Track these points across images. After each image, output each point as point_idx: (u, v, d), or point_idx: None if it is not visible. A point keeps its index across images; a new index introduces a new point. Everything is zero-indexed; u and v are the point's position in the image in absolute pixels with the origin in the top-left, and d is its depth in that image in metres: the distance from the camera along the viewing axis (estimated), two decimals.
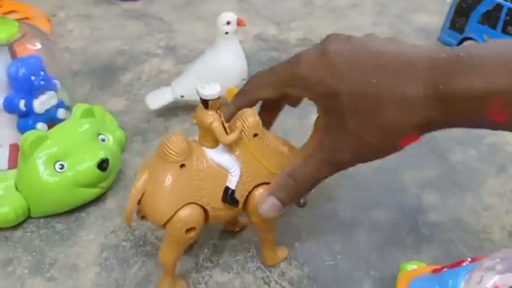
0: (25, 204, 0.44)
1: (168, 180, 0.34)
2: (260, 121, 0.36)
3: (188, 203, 0.35)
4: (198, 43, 0.79)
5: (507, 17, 0.72)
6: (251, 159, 0.36)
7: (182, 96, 0.58)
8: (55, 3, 0.89)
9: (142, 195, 0.35)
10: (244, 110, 0.37)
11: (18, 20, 0.51)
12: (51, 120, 0.48)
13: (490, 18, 0.74)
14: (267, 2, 1.01)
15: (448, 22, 0.81)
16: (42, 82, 0.47)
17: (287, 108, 0.43)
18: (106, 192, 0.49)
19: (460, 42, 0.80)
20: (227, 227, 0.45)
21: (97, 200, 0.48)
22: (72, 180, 0.44)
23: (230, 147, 0.36)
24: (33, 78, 0.46)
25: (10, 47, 0.46)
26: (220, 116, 0.35)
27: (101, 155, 0.45)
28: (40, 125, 0.47)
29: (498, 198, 0.52)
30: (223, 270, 0.42)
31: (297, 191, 0.35)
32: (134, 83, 0.70)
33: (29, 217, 0.46)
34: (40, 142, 0.43)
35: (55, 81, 0.49)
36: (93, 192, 0.46)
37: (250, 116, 0.36)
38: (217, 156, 0.36)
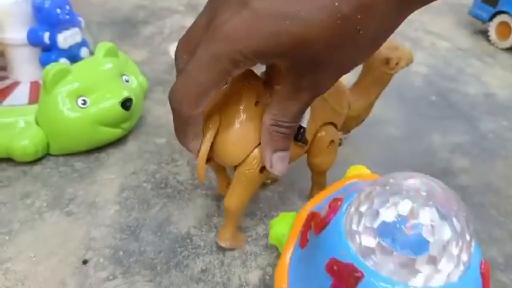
0: (44, 139, 0.43)
1: (242, 119, 0.32)
2: None
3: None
4: None
5: None
6: (319, 99, 0.33)
7: None
8: None
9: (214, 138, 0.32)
10: None
11: None
12: (74, 57, 0.47)
13: None
14: None
15: None
16: (67, 17, 0.45)
17: None
18: (127, 135, 0.48)
19: (493, 16, 0.77)
20: (221, 190, 0.41)
21: (118, 142, 0.47)
22: (95, 117, 0.43)
23: None
24: (58, 11, 0.44)
25: None
26: None
27: (125, 94, 0.43)
28: (63, 61, 0.45)
29: None
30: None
31: (288, 133, 0.31)
32: (156, 36, 0.68)
33: (48, 154, 0.44)
34: (63, 75, 0.42)
35: (80, 19, 0.48)
36: (115, 132, 0.45)
37: None
38: None
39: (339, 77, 0.29)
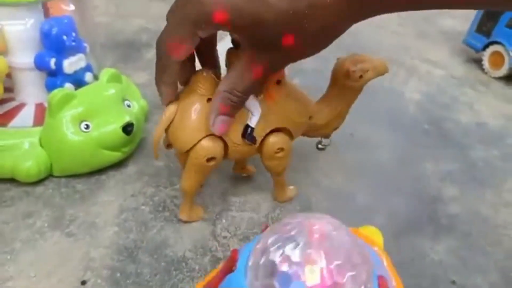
0: (48, 161, 0.44)
1: (196, 110, 0.37)
2: (284, 69, 0.38)
3: (211, 134, 0.37)
4: None
5: None
6: (272, 104, 0.39)
7: None
8: None
9: (170, 123, 0.37)
10: None
11: None
12: (79, 82, 0.49)
13: None
14: None
15: (475, 26, 0.81)
16: (73, 43, 0.47)
17: None
18: (128, 158, 0.49)
19: (486, 46, 0.79)
20: (236, 171, 0.49)
21: (118, 164, 0.48)
22: (96, 141, 0.44)
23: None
24: (65, 37, 0.46)
25: (44, 5, 0.46)
26: None
27: (127, 118, 0.45)
28: (68, 85, 0.47)
29: None
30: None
31: (236, 101, 0.35)
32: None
33: (50, 175, 0.46)
34: (68, 100, 0.43)
35: (85, 44, 0.50)
36: (115, 155, 0.46)
37: None
38: None
39: (290, 61, 0.34)
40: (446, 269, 0.41)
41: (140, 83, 0.62)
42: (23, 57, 0.46)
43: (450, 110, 0.68)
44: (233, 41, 0.39)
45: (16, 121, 0.47)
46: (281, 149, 0.41)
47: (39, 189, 0.45)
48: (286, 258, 0.23)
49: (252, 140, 0.39)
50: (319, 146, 0.55)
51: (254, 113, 0.38)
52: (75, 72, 0.48)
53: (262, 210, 0.45)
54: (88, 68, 0.50)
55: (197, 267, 0.38)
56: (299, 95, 0.41)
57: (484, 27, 0.79)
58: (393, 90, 0.69)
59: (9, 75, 0.48)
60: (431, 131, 0.62)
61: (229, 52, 0.38)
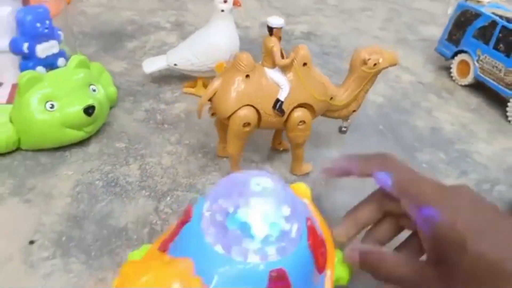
0: (15, 136, 0.49)
1: (236, 84, 0.46)
2: (309, 54, 0.47)
3: (247, 105, 0.46)
4: (205, 23, 0.83)
5: (500, 35, 0.75)
6: (299, 82, 0.48)
7: (175, 65, 0.63)
8: None
9: (214, 94, 0.47)
10: (299, 44, 0.48)
11: None
12: (51, 66, 0.53)
13: (485, 34, 0.77)
14: None
15: (446, 34, 0.85)
16: (46, 30, 0.52)
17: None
18: (90, 138, 0.54)
19: (455, 55, 0.83)
20: (274, 145, 0.57)
21: (82, 143, 0.53)
22: (60, 120, 0.49)
23: (284, 70, 0.47)
24: (38, 25, 0.51)
25: None
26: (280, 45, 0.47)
27: (89, 101, 0.50)
28: (40, 69, 0.52)
29: None
30: None
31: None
32: (138, 51, 0.75)
33: (18, 148, 0.51)
34: (36, 81, 0.48)
35: (59, 32, 0.54)
36: (78, 134, 0.51)
37: (302, 49, 0.47)
38: (274, 74, 0.47)
39: None
40: None
41: (116, 72, 0.67)
42: (0, 41, 0.51)
43: (409, 114, 0.71)
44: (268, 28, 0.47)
45: None
46: (303, 122, 0.49)
47: (6, 160, 0.50)
48: (234, 203, 0.30)
49: (281, 111, 0.47)
50: (342, 129, 0.61)
51: (284, 89, 0.47)
52: (47, 56, 0.53)
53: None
54: (61, 54, 0.55)
55: (135, 237, 0.43)
56: (322, 78, 0.50)
57: (454, 36, 0.83)
58: None
59: None
60: (384, 133, 0.66)
61: (266, 39, 0.47)
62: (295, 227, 0.30)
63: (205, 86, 0.65)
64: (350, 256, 0.35)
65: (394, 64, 0.53)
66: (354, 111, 0.55)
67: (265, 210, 0.29)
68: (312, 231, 0.32)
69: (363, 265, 0.34)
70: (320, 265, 0.33)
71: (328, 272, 0.34)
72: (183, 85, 0.67)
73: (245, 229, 0.29)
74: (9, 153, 0.50)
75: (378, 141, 0.63)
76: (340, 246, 0.37)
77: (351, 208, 0.38)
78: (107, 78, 0.60)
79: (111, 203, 0.46)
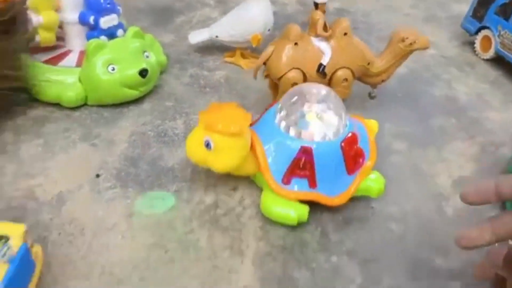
0: (84, 93, 0.60)
1: (286, 50, 0.56)
2: (349, 26, 0.58)
3: (295, 68, 0.56)
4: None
5: None
6: (340, 49, 0.57)
7: (216, 36, 0.72)
8: None
9: (268, 58, 0.57)
10: (341, 17, 0.58)
11: None
12: (112, 36, 0.63)
13: (506, 11, 0.82)
14: None
15: (471, 11, 0.90)
16: (108, 5, 0.62)
17: None
18: (144, 97, 0.64)
19: (478, 30, 0.88)
20: None
21: (137, 101, 0.63)
22: (119, 80, 0.59)
23: (327, 39, 0.57)
24: (102, 1, 0.61)
25: None
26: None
27: (143, 65, 0.60)
28: (103, 38, 0.62)
29: (456, 156, 0.62)
30: None
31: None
32: (184, 25, 0.84)
33: (85, 104, 0.61)
34: (100, 48, 0.59)
35: (119, 7, 0.64)
36: (134, 93, 0.61)
37: (344, 22, 0.58)
38: (318, 42, 0.57)
39: None
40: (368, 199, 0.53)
41: (166, 43, 0.77)
42: (71, 14, 0.62)
43: (429, 85, 0.78)
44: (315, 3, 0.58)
45: (63, 62, 0.63)
46: (346, 80, 0.59)
47: (76, 113, 0.61)
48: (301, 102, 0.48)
49: (323, 74, 0.57)
50: (371, 95, 0.68)
51: (326, 55, 0.57)
52: (109, 28, 0.63)
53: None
54: (120, 26, 0.65)
55: (180, 175, 0.53)
56: (361, 46, 0.59)
57: (478, 13, 0.87)
58: None
59: (61, 27, 0.64)
60: (402, 99, 0.72)
61: (313, 13, 0.57)
62: (333, 128, 0.47)
63: (243, 56, 0.74)
64: (493, 255, 0.34)
65: (426, 48, 0.60)
66: (383, 80, 0.64)
67: (322, 109, 0.47)
68: (350, 140, 0.48)
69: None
70: (349, 167, 0.48)
71: (357, 178, 0.49)
72: (224, 55, 0.75)
73: (303, 119, 0.47)
74: (78, 107, 0.61)
75: (394, 106, 0.70)
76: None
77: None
78: (158, 48, 0.69)
79: (160, 149, 0.56)
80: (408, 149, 0.62)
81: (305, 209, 0.47)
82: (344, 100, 0.58)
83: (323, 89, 0.50)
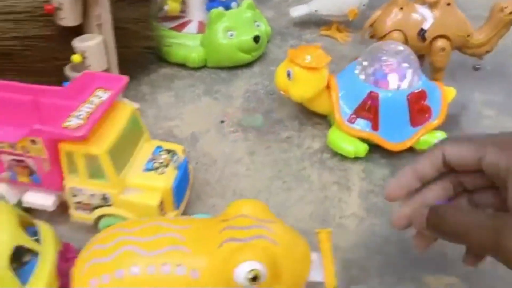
0: (204, 55, 0.69)
1: (392, 14, 0.63)
2: None
3: (398, 29, 0.62)
4: None
5: None
6: (442, 18, 0.62)
7: (316, 11, 0.79)
8: None
9: (375, 21, 0.64)
10: None
11: None
12: (227, 7, 0.72)
13: None
14: None
15: None
16: None
17: None
18: (254, 62, 0.73)
19: None
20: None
21: (248, 65, 0.72)
22: (236, 44, 0.68)
23: (430, 7, 0.62)
24: None
25: None
26: None
27: (256, 32, 0.68)
28: (220, 8, 0.71)
29: None
30: None
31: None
32: (283, 2, 0.92)
33: (205, 66, 0.71)
34: (221, 16, 0.68)
35: None
36: (247, 57, 0.70)
37: None
38: (422, 9, 0.62)
39: None
40: None
41: (268, 17, 0.85)
42: None
43: None
44: None
45: (186, 29, 0.73)
46: (443, 49, 0.62)
47: (197, 73, 0.70)
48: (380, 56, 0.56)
49: (423, 38, 0.62)
50: (476, 66, 0.72)
51: (428, 21, 0.61)
52: (226, 0, 0.72)
53: None
54: None
55: (289, 125, 0.61)
56: (462, 17, 0.63)
57: None
58: None
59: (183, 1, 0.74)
60: (491, 72, 0.76)
61: None
62: (406, 82, 0.54)
63: (339, 30, 0.81)
64: (418, 213, 0.34)
65: None
66: (487, 51, 0.65)
67: (398, 63, 0.55)
68: (417, 95, 0.54)
69: (433, 220, 0.33)
70: (414, 120, 0.54)
71: (420, 131, 0.54)
72: (320, 28, 0.83)
73: (380, 71, 0.55)
74: (199, 68, 0.71)
75: (483, 77, 0.74)
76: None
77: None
78: (264, 20, 0.78)
79: (271, 104, 0.65)
80: (496, 116, 0.66)
81: (363, 147, 0.55)
82: (441, 69, 0.64)
83: (400, 46, 0.57)
